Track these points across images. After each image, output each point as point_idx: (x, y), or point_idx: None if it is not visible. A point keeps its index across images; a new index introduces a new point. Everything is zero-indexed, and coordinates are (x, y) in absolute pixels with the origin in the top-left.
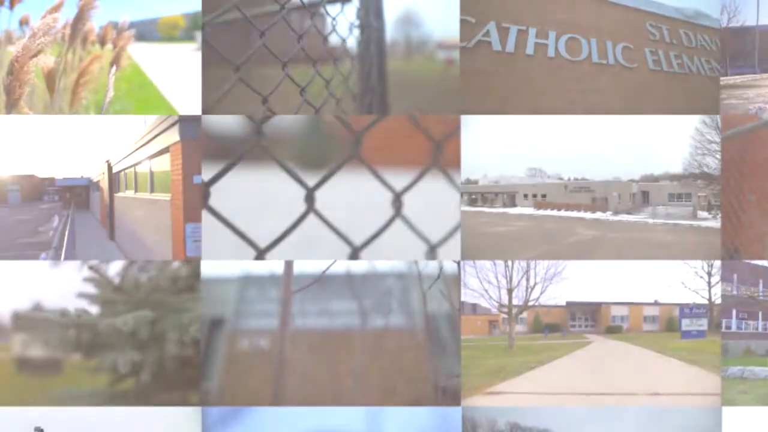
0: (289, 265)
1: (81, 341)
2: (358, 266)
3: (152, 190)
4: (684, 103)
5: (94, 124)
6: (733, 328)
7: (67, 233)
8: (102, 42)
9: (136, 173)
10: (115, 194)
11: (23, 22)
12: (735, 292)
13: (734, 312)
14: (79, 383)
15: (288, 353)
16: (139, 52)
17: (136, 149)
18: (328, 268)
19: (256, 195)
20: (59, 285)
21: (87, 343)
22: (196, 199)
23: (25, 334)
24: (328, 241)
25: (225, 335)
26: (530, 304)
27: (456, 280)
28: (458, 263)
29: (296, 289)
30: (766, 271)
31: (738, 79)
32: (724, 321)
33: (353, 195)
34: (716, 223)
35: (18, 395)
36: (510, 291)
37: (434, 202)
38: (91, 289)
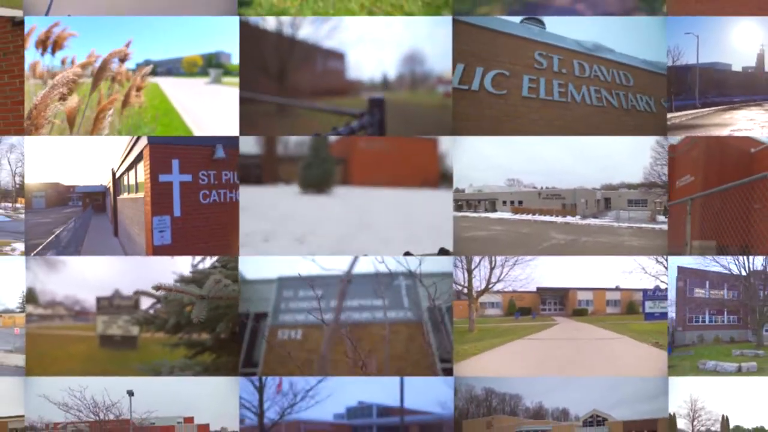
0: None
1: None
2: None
3: (137, 191)
4: (555, 128)
5: (108, 144)
6: (707, 322)
7: (65, 232)
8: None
9: (128, 177)
10: (118, 197)
11: (65, 62)
12: (707, 296)
13: (707, 310)
14: (160, 356)
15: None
16: (166, 85)
17: (125, 157)
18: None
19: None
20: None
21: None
22: (162, 195)
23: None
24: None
25: (267, 325)
26: (491, 286)
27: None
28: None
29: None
30: (730, 276)
31: (683, 117)
32: (699, 316)
33: (352, 204)
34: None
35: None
36: (470, 272)
37: (430, 209)
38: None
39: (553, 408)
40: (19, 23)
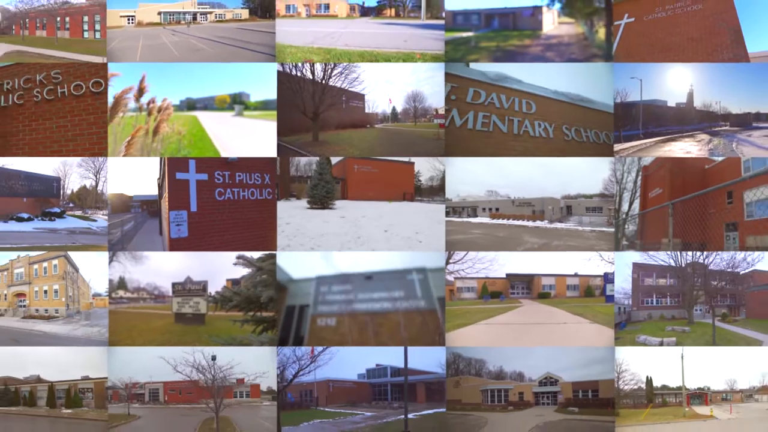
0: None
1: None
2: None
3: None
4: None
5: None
6: (654, 304)
7: (118, 233)
8: (150, 113)
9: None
10: (161, 200)
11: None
12: (654, 284)
13: (654, 294)
14: (231, 331)
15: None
16: (202, 117)
17: (160, 166)
18: None
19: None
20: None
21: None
22: (178, 192)
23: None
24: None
25: (309, 314)
26: (447, 267)
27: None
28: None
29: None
30: (670, 268)
31: (630, 147)
32: (648, 299)
33: (351, 214)
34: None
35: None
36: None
37: (424, 216)
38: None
39: (511, 371)
40: (103, 68)
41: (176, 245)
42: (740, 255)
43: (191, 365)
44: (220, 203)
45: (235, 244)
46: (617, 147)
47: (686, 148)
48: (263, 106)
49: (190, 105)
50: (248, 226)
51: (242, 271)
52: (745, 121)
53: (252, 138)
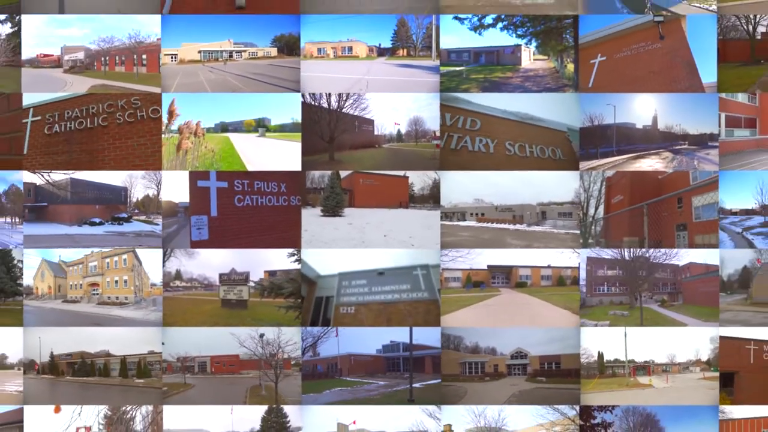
0: None
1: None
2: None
3: None
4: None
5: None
6: (605, 291)
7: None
8: (180, 132)
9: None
10: None
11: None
12: (607, 274)
13: (605, 283)
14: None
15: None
16: (233, 138)
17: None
18: None
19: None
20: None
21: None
22: (200, 198)
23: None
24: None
25: (333, 304)
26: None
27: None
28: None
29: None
30: (619, 261)
31: (605, 163)
32: (600, 287)
33: (357, 221)
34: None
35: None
36: None
37: (420, 221)
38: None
39: (485, 347)
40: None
41: (197, 247)
42: (660, 251)
43: (255, 341)
44: (240, 209)
45: (257, 245)
46: (595, 162)
47: (653, 165)
48: (281, 129)
49: (224, 128)
50: (266, 229)
51: (277, 265)
52: (701, 141)
53: (272, 155)
